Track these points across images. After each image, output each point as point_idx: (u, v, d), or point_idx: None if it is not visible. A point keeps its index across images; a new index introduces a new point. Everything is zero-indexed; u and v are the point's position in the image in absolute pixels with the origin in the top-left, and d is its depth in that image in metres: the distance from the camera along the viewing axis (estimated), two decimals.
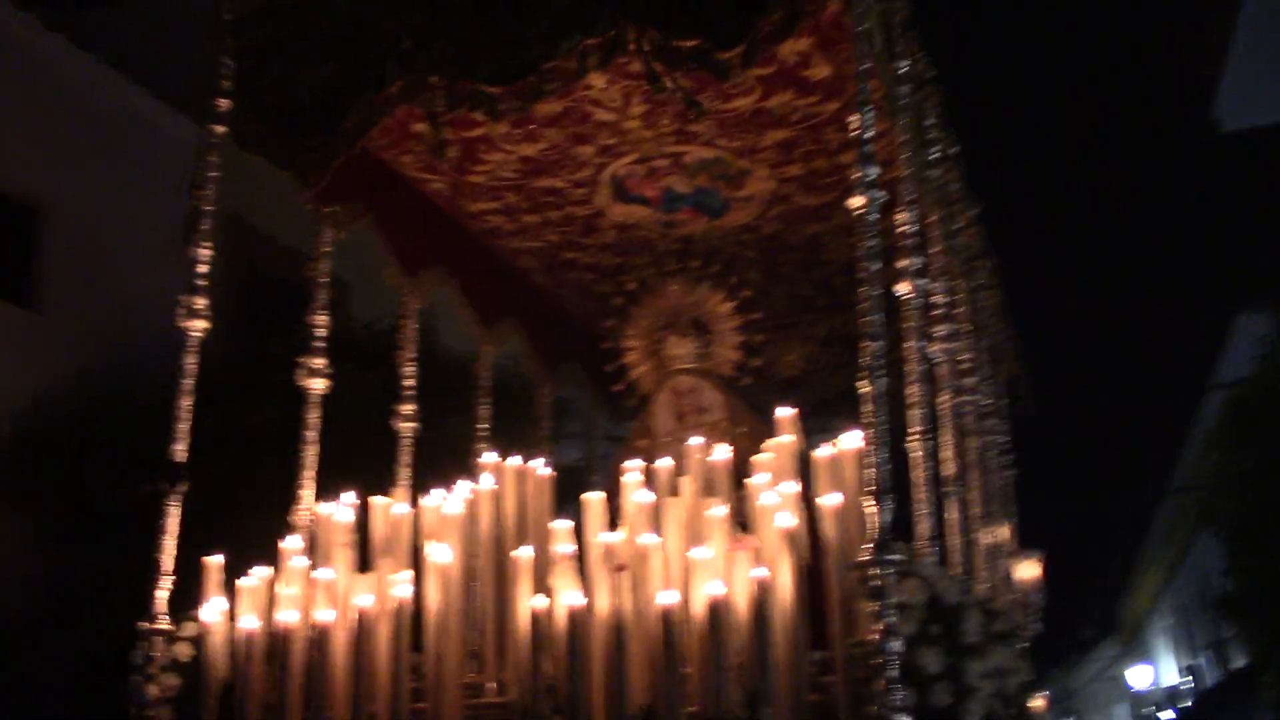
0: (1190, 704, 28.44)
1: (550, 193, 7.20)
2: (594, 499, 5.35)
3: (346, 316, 9.69)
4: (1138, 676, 34.14)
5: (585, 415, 9.32)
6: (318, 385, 6.34)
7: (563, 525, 5.13)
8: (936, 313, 6.06)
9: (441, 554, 5.09)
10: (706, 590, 4.48)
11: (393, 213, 6.96)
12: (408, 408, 7.09)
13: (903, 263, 5.46)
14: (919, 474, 5.26)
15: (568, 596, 4.63)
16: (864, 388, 4.59)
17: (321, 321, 6.41)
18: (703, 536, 4.89)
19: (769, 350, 8.89)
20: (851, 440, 5.32)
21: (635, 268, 8.04)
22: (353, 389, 7.46)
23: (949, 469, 5.96)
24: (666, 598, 4.49)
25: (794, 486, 4.96)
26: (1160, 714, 31.50)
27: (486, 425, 7.78)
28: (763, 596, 4.45)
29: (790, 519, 4.67)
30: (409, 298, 7.19)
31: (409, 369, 7.13)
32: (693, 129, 6.57)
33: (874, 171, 4.81)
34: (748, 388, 8.21)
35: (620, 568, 4.68)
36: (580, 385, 8.87)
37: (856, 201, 4.83)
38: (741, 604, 4.51)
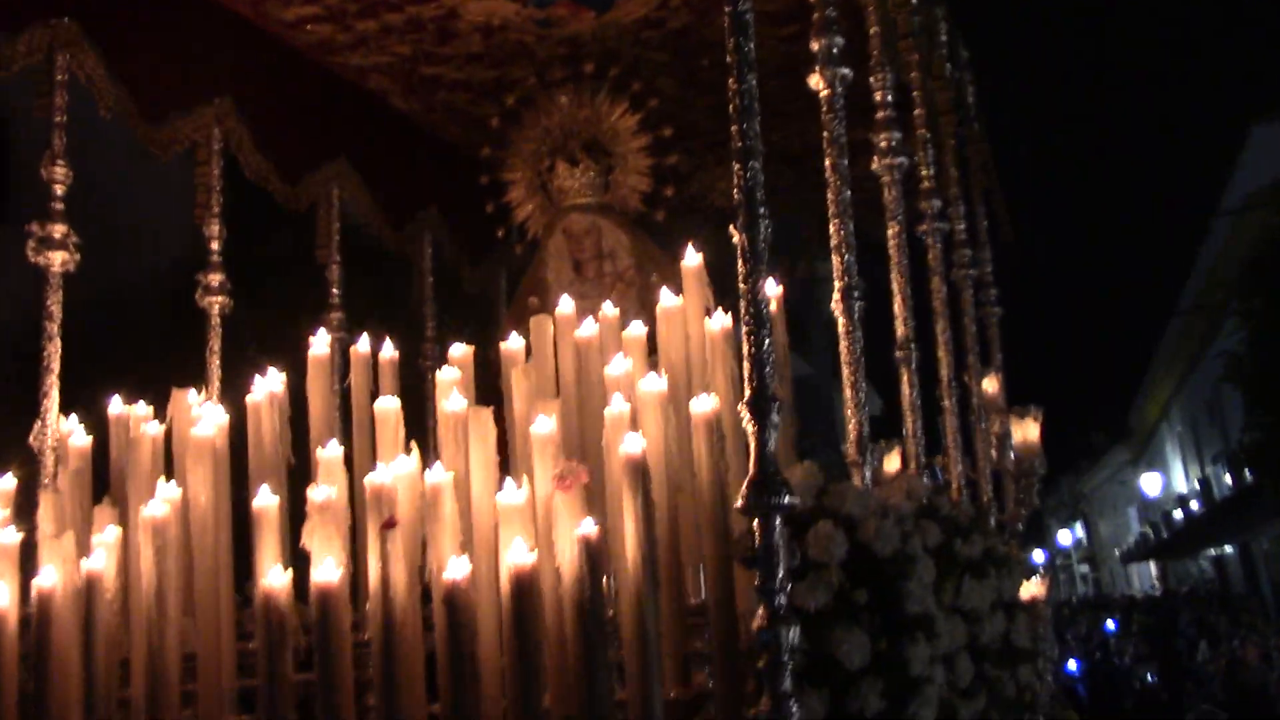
0: (1200, 510, 27.37)
1: None
2: (385, 408, 3.65)
3: None
4: (1149, 483, 33.27)
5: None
6: (55, 259, 4.56)
7: (330, 454, 3.45)
8: (881, 114, 4.35)
9: (157, 503, 3.42)
10: (508, 559, 2.84)
11: (151, 29, 5.07)
12: (214, 277, 5.35)
13: (816, 45, 3.75)
14: (846, 345, 3.59)
15: (322, 568, 3.00)
16: (735, 235, 2.86)
17: (60, 175, 4.62)
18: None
19: (700, 178, 7.15)
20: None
21: (517, 82, 6.22)
22: None
23: (901, 327, 4.31)
24: (453, 570, 2.87)
25: (657, 384, 3.26)
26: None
27: (337, 291, 6.06)
28: (590, 567, 2.80)
29: (637, 442, 2.96)
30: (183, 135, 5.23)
31: (214, 227, 5.39)
32: None
33: None
34: (669, 226, 6.48)
35: (389, 523, 3.03)
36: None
37: None
38: (565, 576, 2.86)
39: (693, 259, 4.06)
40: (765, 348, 2.74)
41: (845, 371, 3.57)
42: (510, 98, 5.97)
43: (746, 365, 2.75)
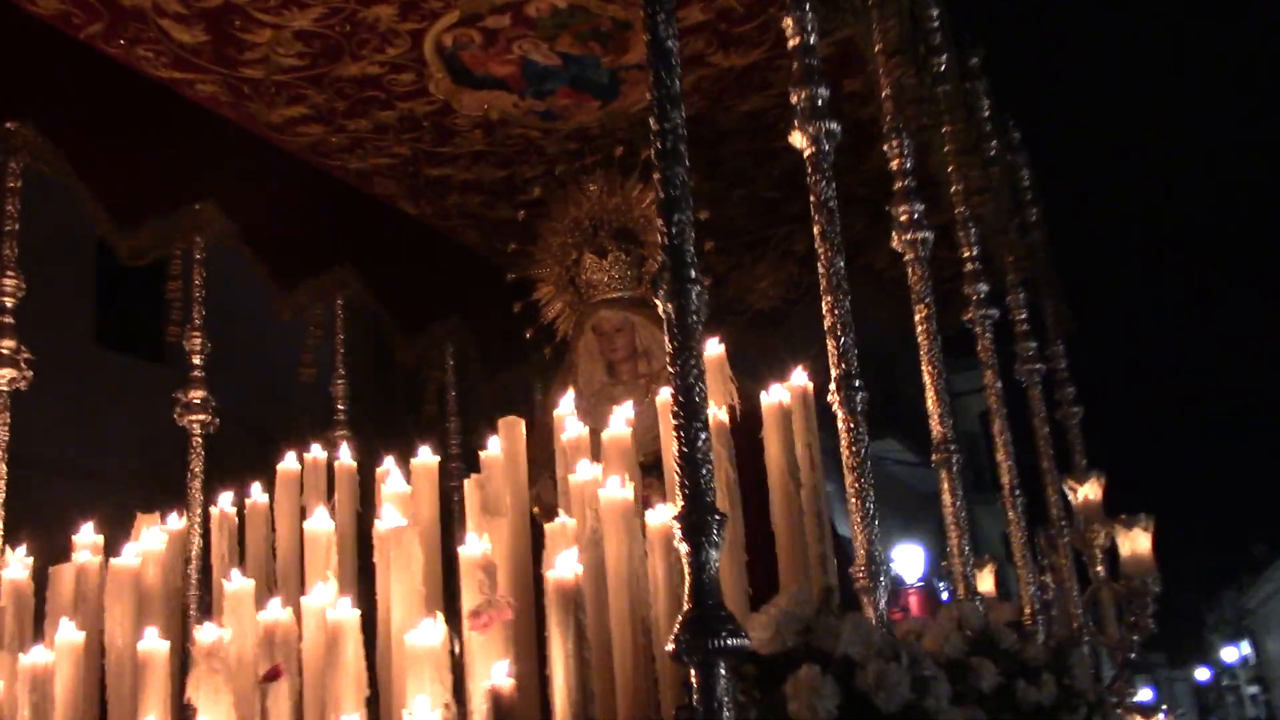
0: None
1: (364, 83, 5.06)
2: (316, 529, 3.22)
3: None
4: None
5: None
6: (2, 377, 4.31)
7: (238, 585, 3.02)
8: (899, 185, 3.94)
9: (38, 650, 3.02)
10: (409, 717, 2.38)
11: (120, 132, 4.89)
12: (196, 393, 5.03)
13: (795, 98, 3.34)
14: (847, 445, 3.10)
15: None
16: (662, 303, 2.40)
17: (9, 287, 4.39)
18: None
19: (737, 279, 6.72)
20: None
21: (531, 181, 5.90)
22: None
23: (937, 426, 3.81)
24: None
25: (620, 492, 2.81)
26: None
27: (343, 408, 5.74)
28: None
29: (569, 564, 2.50)
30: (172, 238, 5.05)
31: (195, 341, 5.10)
32: None
33: None
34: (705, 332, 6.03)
35: (271, 674, 2.60)
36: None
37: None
38: None
39: (713, 350, 3.62)
40: (699, 445, 2.22)
41: (849, 478, 3.05)
42: (537, 188, 5.62)
43: (676, 469, 2.27)
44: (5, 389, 4.29)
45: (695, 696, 2.10)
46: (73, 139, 4.58)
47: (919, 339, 3.83)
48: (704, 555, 2.17)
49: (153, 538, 3.37)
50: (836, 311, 3.13)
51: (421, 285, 6.19)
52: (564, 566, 2.43)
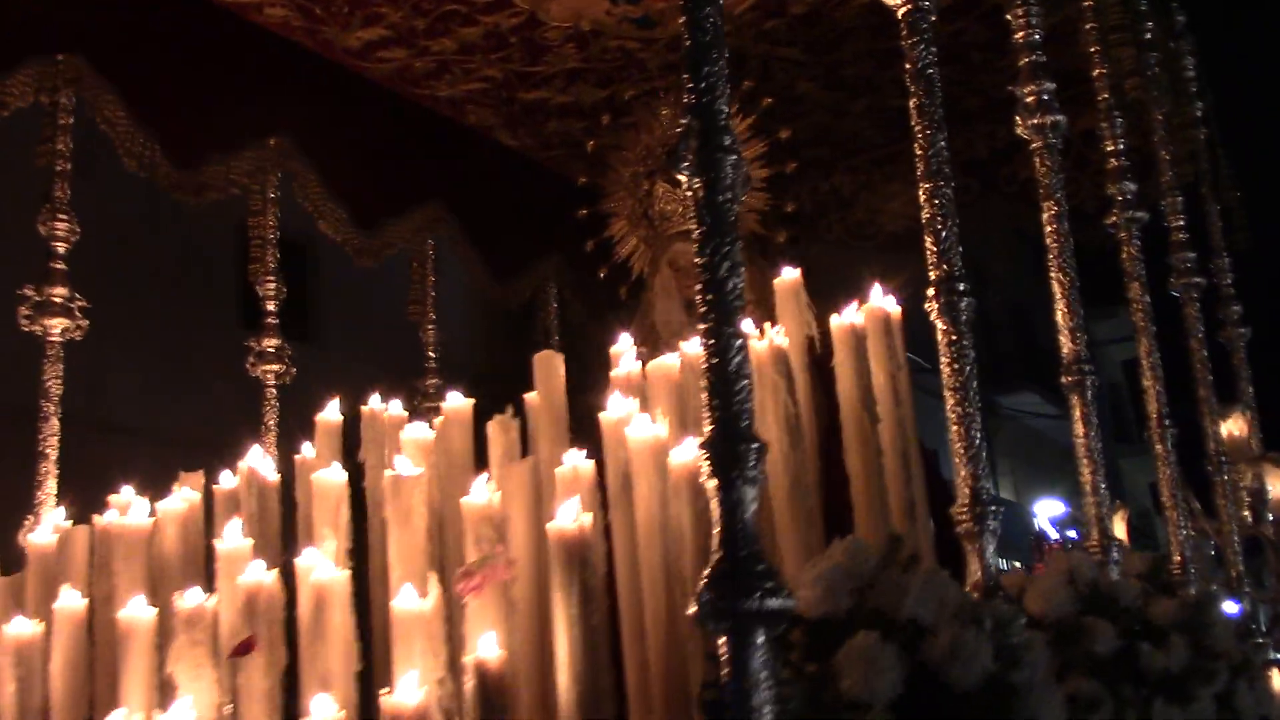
0: None
1: None
2: (326, 481, 2.75)
3: None
4: None
5: None
6: (55, 326, 3.98)
7: (232, 544, 2.57)
8: (1025, 60, 3.32)
9: (21, 622, 2.62)
10: (389, 697, 1.88)
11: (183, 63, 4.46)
12: (270, 342, 4.65)
13: None
14: (949, 361, 2.48)
15: (178, 710, 2.12)
16: (689, 177, 1.82)
17: (61, 231, 4.05)
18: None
19: (866, 200, 6.06)
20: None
21: (633, 100, 5.33)
22: None
23: (1067, 343, 3.17)
24: (318, 712, 1.94)
25: (650, 429, 2.25)
26: None
27: (433, 355, 5.29)
28: (487, 706, 1.81)
29: (571, 512, 1.96)
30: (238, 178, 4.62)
31: (269, 285, 4.71)
32: None
33: None
34: (826, 260, 5.43)
35: (244, 646, 2.13)
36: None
37: None
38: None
39: (789, 275, 3.07)
40: (730, 355, 1.69)
41: (949, 401, 2.46)
42: (606, 116, 5.07)
43: (704, 387, 1.72)
44: (59, 339, 3.92)
45: (724, 671, 1.60)
46: (129, 72, 4.18)
47: (1047, 241, 3.19)
48: (736, 494, 1.66)
49: (175, 499, 2.94)
50: (936, 201, 2.53)
51: (521, 221, 5.65)
52: (566, 515, 1.90)
